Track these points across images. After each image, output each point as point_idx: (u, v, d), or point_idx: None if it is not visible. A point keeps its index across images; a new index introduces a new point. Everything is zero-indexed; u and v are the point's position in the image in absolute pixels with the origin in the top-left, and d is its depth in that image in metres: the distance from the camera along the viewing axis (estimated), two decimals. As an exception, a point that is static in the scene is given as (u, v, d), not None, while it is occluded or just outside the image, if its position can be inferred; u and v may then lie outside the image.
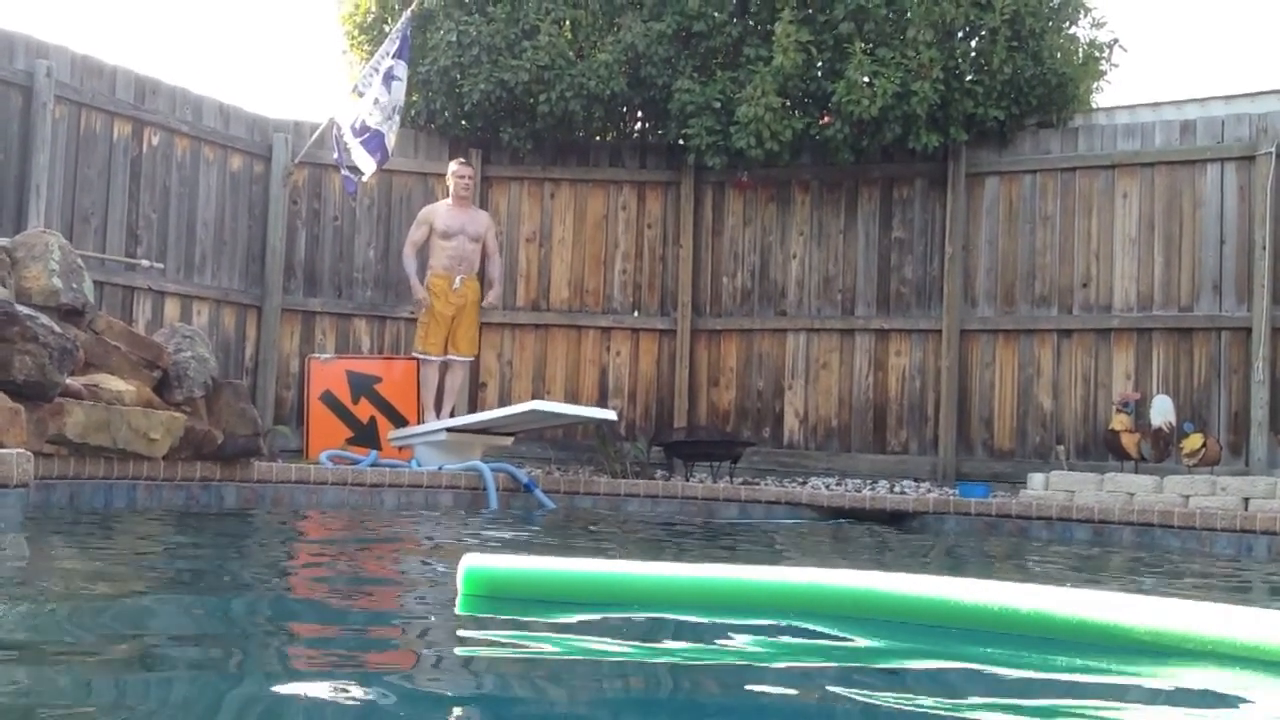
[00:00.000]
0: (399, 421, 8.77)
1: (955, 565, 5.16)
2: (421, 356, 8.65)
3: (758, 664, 2.40)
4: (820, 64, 9.00)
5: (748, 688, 2.14)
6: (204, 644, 2.38)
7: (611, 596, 2.94)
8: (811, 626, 2.69)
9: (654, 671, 2.28)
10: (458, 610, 2.89)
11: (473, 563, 3.00)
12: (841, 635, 2.64)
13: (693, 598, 2.90)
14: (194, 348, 6.52)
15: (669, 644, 2.62)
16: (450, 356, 8.64)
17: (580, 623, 2.75)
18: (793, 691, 2.14)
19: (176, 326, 6.99)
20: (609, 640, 2.57)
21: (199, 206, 8.71)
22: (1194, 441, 7.64)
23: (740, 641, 2.59)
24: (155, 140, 8.39)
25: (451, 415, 8.53)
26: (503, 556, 3.21)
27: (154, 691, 1.90)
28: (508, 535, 5.50)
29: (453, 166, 8.70)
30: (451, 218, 8.55)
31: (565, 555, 4.02)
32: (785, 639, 2.64)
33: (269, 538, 5.10)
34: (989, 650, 2.53)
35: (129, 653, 2.23)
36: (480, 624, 2.82)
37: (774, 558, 5.01)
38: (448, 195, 8.79)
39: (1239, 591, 4.53)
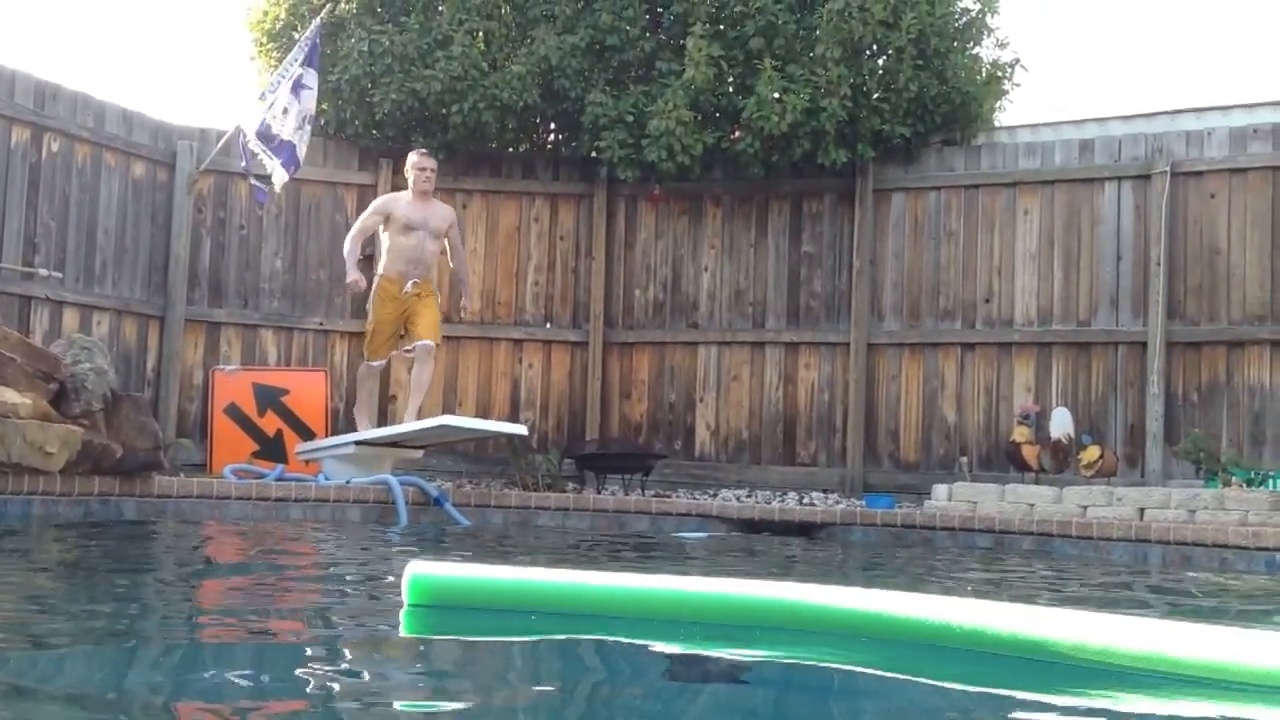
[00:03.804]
0: (306, 434, 8.64)
1: (864, 576, 5.23)
2: (367, 360, 8.10)
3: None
4: (731, 79, 9.10)
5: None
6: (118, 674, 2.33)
7: (561, 606, 2.91)
8: (755, 638, 2.71)
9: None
10: (402, 621, 2.84)
11: (418, 570, 2.91)
12: (789, 647, 2.67)
13: (643, 608, 2.89)
14: (93, 359, 6.38)
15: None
16: (416, 343, 7.89)
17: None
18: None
19: (75, 337, 6.83)
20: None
21: (100, 214, 8.51)
22: (1091, 453, 7.85)
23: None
24: (55, 146, 8.19)
25: (419, 414, 7.93)
26: (449, 564, 3.11)
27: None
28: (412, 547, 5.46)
29: (412, 158, 8.11)
30: (413, 210, 7.93)
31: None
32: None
33: (179, 554, 5.00)
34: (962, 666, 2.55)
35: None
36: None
37: (683, 568, 5.04)
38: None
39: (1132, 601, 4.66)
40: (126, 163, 8.69)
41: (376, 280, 8.07)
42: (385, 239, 8.00)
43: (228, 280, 9.19)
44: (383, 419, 9.13)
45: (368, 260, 9.36)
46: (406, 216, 7.92)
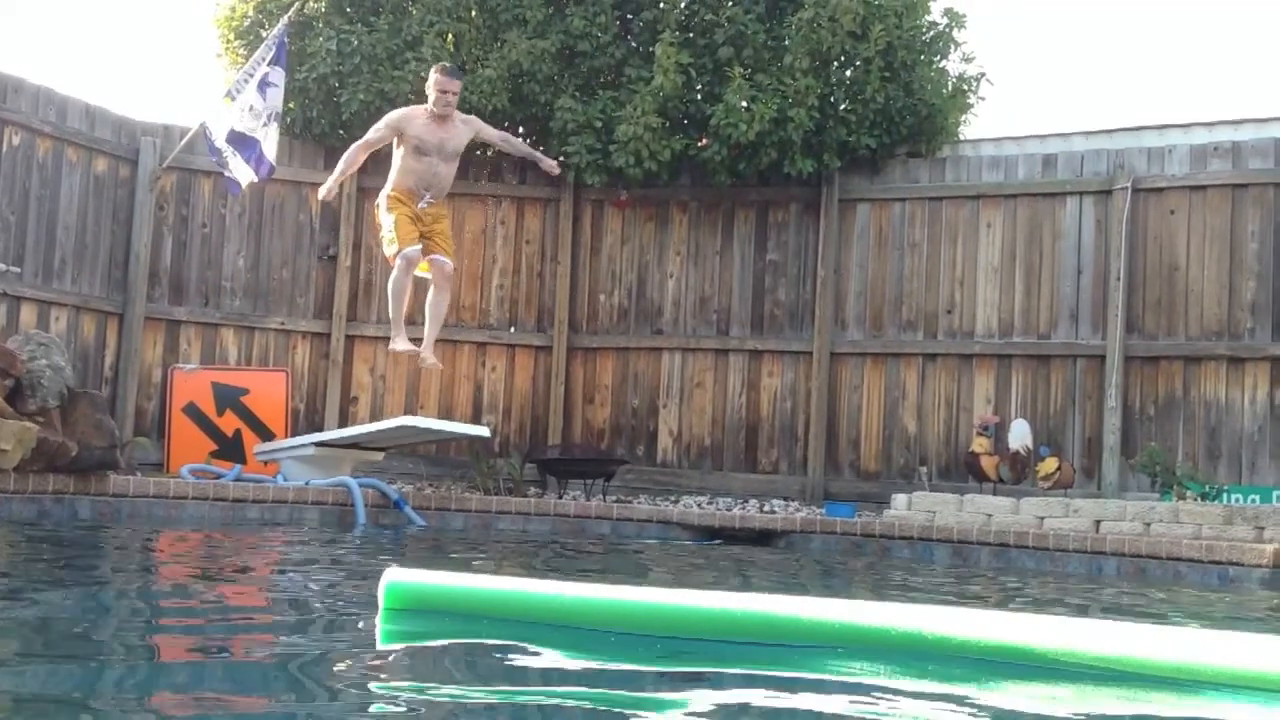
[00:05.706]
0: (266, 435, 8.58)
1: (822, 585, 5.25)
2: (395, 256, 7.00)
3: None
4: (700, 87, 9.13)
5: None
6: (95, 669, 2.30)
7: (535, 614, 2.93)
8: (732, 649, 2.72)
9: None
10: (379, 624, 2.84)
11: (395, 577, 2.94)
12: (760, 658, 2.67)
13: (616, 618, 2.90)
14: (49, 356, 6.32)
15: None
16: (433, 256, 7.12)
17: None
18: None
19: (31, 333, 6.76)
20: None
21: (60, 210, 8.42)
22: (1049, 465, 7.92)
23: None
24: (16, 140, 8.09)
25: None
26: (426, 571, 3.15)
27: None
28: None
29: (434, 76, 7.10)
30: (429, 132, 7.01)
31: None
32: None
33: (136, 557, 4.95)
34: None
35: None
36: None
37: (641, 576, 5.04)
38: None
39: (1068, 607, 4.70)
40: (88, 158, 8.60)
41: (383, 194, 7.16)
42: (395, 156, 7.16)
43: (189, 278, 9.11)
44: (343, 420, 9.09)
45: (331, 260, 9.33)
46: (420, 138, 7.01)
